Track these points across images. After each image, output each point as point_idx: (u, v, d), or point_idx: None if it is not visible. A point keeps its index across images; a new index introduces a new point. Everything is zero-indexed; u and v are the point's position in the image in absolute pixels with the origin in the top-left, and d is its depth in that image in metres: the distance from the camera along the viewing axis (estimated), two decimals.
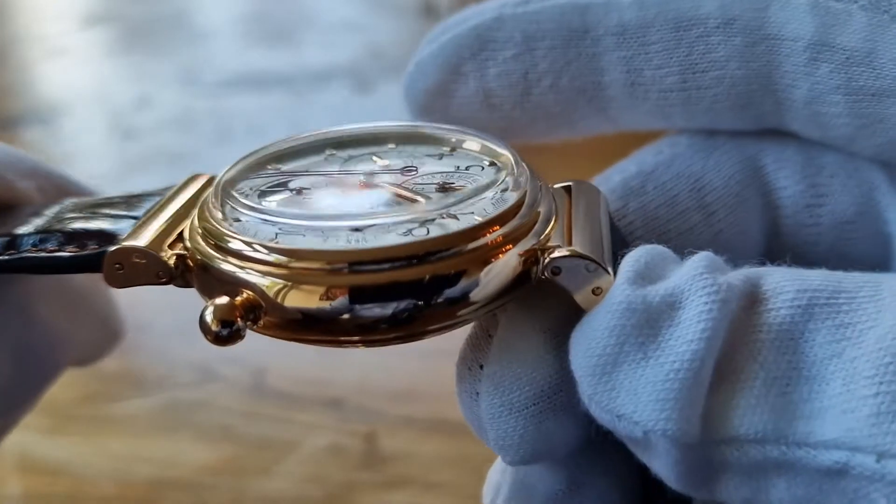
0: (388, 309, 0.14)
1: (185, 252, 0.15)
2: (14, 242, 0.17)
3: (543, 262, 0.14)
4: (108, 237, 0.16)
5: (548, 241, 0.15)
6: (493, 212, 0.15)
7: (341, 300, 0.14)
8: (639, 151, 0.18)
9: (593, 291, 0.14)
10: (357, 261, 0.14)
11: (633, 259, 0.14)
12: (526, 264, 0.15)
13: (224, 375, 0.35)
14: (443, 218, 0.14)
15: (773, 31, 0.16)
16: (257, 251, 0.14)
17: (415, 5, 0.49)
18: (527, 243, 0.15)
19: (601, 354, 0.13)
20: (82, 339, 0.20)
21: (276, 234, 0.14)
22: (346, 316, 0.14)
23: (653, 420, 0.12)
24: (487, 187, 0.15)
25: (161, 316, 0.37)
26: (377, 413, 0.33)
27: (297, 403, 0.34)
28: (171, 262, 0.15)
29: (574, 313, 0.14)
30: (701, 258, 0.14)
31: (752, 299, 0.13)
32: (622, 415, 0.13)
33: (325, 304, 0.14)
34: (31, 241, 0.17)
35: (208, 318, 0.14)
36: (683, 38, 0.17)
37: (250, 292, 0.14)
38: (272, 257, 0.14)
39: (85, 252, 0.16)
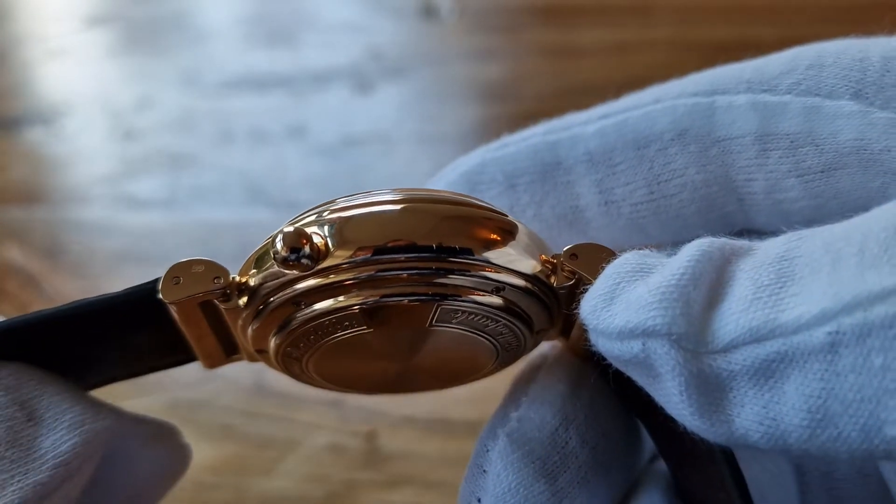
0: (399, 260, 0.14)
1: (240, 276, 0.16)
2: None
3: (561, 261, 0.15)
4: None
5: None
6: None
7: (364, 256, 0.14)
8: None
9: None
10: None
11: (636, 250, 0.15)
12: (545, 265, 0.15)
13: (224, 375, 0.35)
14: None
15: (722, 133, 0.17)
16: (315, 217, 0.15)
17: (415, 7, 0.49)
18: (539, 243, 0.16)
19: (600, 294, 0.14)
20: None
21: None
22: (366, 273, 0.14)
23: (643, 320, 0.13)
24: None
25: None
26: (378, 412, 0.33)
27: (298, 403, 0.34)
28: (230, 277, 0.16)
29: (561, 429, 0.16)
30: (698, 241, 0.14)
31: (745, 250, 0.14)
32: (620, 331, 0.13)
33: (352, 258, 0.14)
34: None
35: (278, 243, 0.14)
36: (644, 154, 0.18)
37: (314, 231, 0.14)
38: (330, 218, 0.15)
39: (140, 285, 0.16)
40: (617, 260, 0.15)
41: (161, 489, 0.20)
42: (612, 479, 0.17)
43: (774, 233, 0.19)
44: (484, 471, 0.16)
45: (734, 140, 0.17)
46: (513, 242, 0.15)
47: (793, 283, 0.12)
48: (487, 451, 0.16)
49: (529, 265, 0.15)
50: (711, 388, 0.13)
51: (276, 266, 0.14)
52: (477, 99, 0.48)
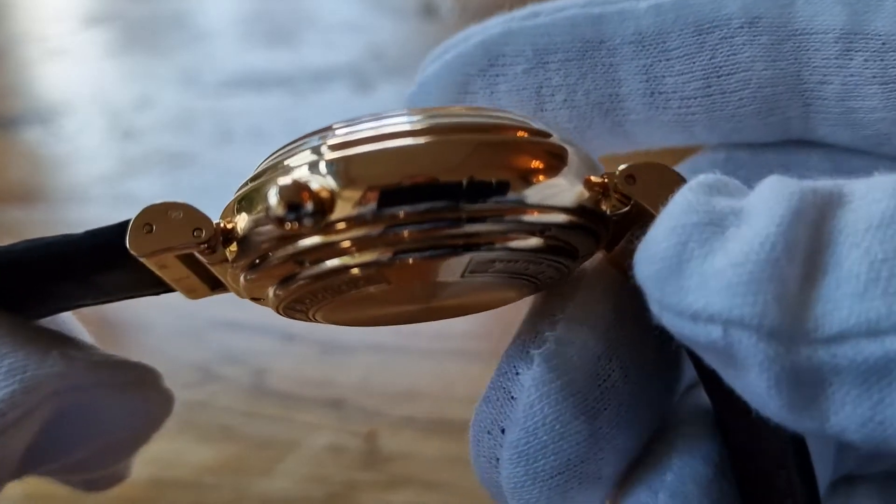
0: (428, 206, 0.12)
1: (224, 221, 0.13)
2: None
3: (614, 182, 0.13)
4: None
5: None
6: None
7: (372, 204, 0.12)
8: None
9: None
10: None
11: (702, 176, 0.12)
12: (593, 189, 0.13)
13: (224, 375, 0.35)
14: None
15: (801, 25, 0.15)
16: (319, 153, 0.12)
17: (415, 6, 0.49)
18: (589, 163, 0.13)
19: (664, 257, 0.11)
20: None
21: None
22: (382, 216, 0.12)
23: (727, 307, 0.11)
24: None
25: (161, 316, 0.37)
26: (378, 413, 0.33)
27: (298, 403, 0.34)
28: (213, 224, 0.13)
29: (603, 361, 0.13)
30: (771, 178, 0.12)
31: (837, 199, 0.11)
32: (695, 312, 0.11)
33: (362, 207, 0.12)
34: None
35: (272, 199, 0.11)
36: (706, 41, 0.16)
37: (315, 180, 0.12)
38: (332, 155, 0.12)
39: (105, 228, 0.14)
40: (681, 202, 0.12)
41: (141, 437, 0.18)
42: (649, 420, 0.15)
43: (832, 149, 0.17)
44: (512, 397, 0.14)
45: (814, 35, 0.15)
46: (559, 170, 0.13)
47: None
48: (518, 374, 0.14)
49: (576, 193, 0.13)
50: (807, 383, 0.11)
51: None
52: None
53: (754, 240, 0.11)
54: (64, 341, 0.16)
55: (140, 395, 0.18)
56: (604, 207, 0.13)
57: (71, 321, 0.18)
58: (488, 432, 0.14)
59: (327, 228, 0.12)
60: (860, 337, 0.10)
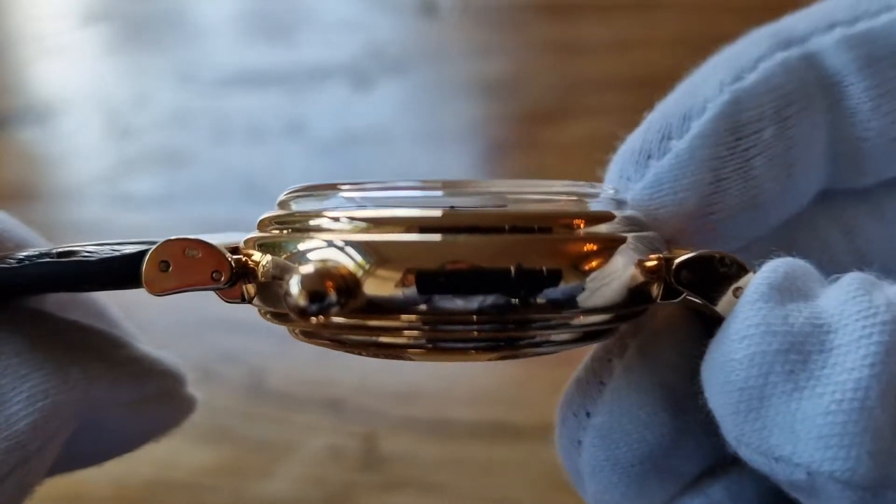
0: (473, 302, 0.11)
1: (244, 257, 0.13)
2: (20, 261, 0.14)
3: (668, 269, 0.12)
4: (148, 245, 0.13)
5: (669, 253, 0.13)
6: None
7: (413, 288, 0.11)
8: None
9: (734, 293, 0.12)
10: (450, 226, 0.11)
11: (769, 269, 0.12)
12: (646, 274, 0.12)
13: (223, 376, 0.35)
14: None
15: None
16: (343, 221, 0.12)
17: (414, 4, 0.49)
18: (645, 250, 0.12)
19: (743, 388, 0.11)
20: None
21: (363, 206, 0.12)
22: (420, 307, 0.11)
23: (817, 461, 0.10)
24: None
25: (159, 316, 0.37)
26: (377, 414, 0.33)
27: (297, 404, 0.34)
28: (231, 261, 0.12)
29: (698, 360, 0.12)
30: (852, 277, 0.12)
31: None
32: (780, 457, 0.11)
33: (398, 292, 0.11)
34: (44, 255, 0.14)
35: (294, 288, 0.11)
36: None
37: (341, 265, 0.11)
38: (357, 225, 0.11)
39: (120, 252, 0.13)
40: (754, 317, 0.11)
41: (155, 439, 0.18)
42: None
43: None
44: (601, 382, 0.13)
45: None
46: (611, 258, 0.12)
47: None
48: (610, 360, 0.14)
49: (627, 279, 0.12)
50: None
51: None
52: (478, 96, 0.48)
53: (845, 385, 0.10)
54: (87, 351, 0.15)
55: (160, 407, 0.17)
56: (654, 293, 0.12)
57: (94, 297, 0.17)
58: (574, 414, 0.14)
59: (354, 313, 0.11)
60: None
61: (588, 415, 0.14)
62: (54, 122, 0.51)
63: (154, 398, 0.17)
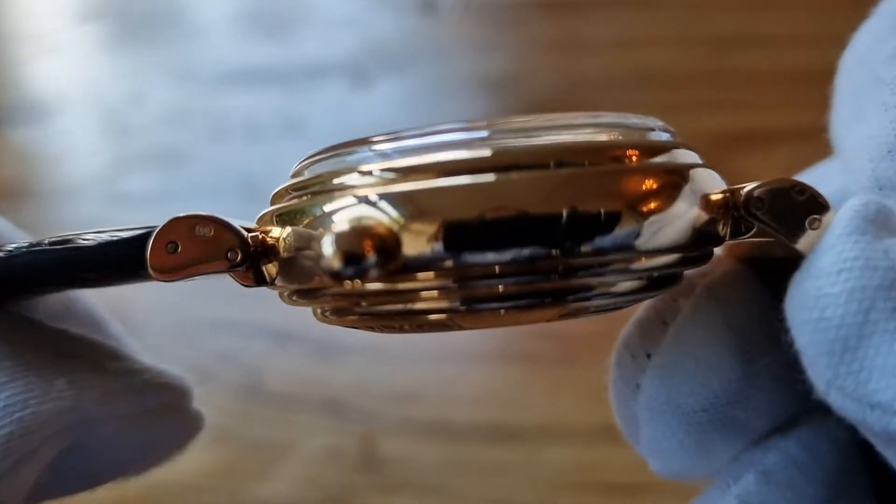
0: (506, 254, 0.10)
1: (261, 234, 0.11)
2: (9, 251, 0.12)
3: (735, 203, 0.11)
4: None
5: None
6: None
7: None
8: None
9: (810, 225, 0.11)
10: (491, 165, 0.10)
11: (860, 203, 0.11)
12: (712, 209, 0.11)
13: (220, 376, 0.35)
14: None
15: None
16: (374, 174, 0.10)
17: (414, 1, 0.48)
18: (709, 183, 0.11)
19: (840, 325, 0.10)
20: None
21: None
22: (447, 263, 0.10)
23: None
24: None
25: (156, 316, 0.37)
26: (376, 415, 0.33)
27: (295, 405, 0.34)
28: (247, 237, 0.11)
29: (769, 310, 0.11)
30: None
31: None
32: (877, 403, 0.10)
33: (427, 248, 0.10)
34: (35, 245, 0.12)
35: (327, 249, 0.09)
36: None
37: (379, 221, 0.10)
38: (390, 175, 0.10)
39: (121, 236, 0.12)
40: (850, 249, 0.10)
41: (162, 462, 0.16)
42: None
43: None
44: (664, 322, 0.12)
45: None
46: (677, 195, 0.10)
47: None
48: (675, 300, 0.12)
49: (692, 218, 0.11)
50: None
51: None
52: (478, 94, 0.48)
53: None
54: (76, 360, 0.14)
55: (162, 423, 0.16)
56: (721, 231, 0.11)
57: (91, 308, 0.16)
58: (632, 356, 0.13)
59: (393, 276, 0.10)
60: None
61: (648, 356, 0.13)
62: (50, 120, 0.50)
63: (154, 412, 0.15)
